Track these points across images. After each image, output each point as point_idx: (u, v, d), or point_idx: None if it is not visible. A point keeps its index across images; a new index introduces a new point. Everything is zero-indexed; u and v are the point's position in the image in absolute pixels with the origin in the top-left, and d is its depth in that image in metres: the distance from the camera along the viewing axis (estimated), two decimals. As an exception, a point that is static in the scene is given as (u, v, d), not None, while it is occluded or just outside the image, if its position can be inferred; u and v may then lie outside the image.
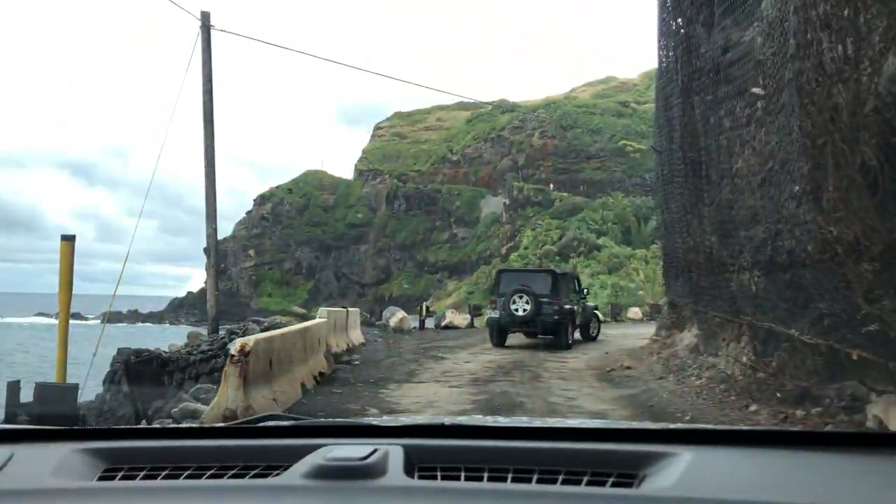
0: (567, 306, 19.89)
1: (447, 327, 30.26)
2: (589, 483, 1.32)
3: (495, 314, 20.41)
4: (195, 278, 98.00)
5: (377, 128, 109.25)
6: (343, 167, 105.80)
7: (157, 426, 1.77)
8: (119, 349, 16.59)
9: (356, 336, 20.50)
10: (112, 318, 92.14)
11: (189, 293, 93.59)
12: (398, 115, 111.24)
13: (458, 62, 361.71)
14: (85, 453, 1.51)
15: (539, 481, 1.33)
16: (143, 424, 11.00)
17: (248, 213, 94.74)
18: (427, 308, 32.84)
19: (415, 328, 28.87)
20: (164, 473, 1.43)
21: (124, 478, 1.43)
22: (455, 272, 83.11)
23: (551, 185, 79.45)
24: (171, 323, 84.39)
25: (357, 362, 16.47)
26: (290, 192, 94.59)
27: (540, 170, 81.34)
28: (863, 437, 1.52)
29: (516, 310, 19.37)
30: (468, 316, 32.88)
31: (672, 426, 1.67)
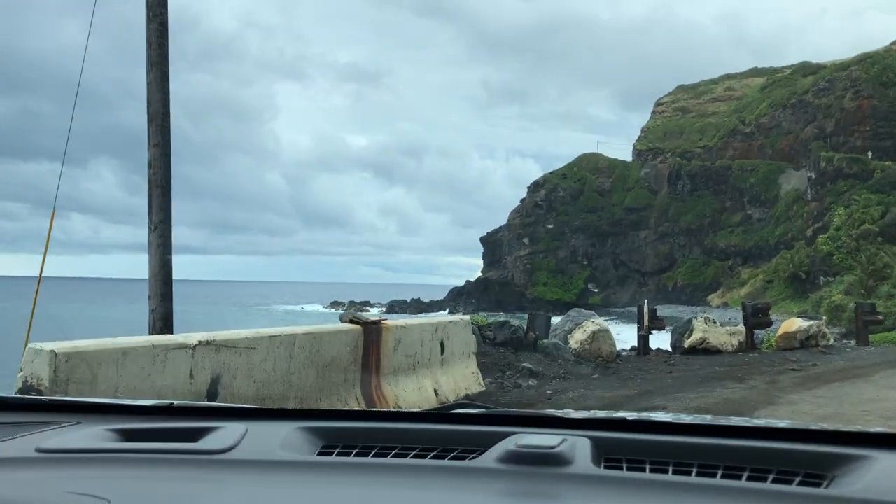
0: None
1: (695, 350, 16.67)
2: (775, 481, 1.31)
3: None
4: (480, 268, 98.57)
5: (658, 104, 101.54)
6: (620, 150, 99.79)
7: (367, 409, 2.04)
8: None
9: (457, 381, 10.16)
10: (397, 307, 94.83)
11: (467, 282, 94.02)
12: (681, 88, 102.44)
13: (748, 19, 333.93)
14: (306, 431, 1.70)
15: (723, 477, 1.34)
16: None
17: (522, 200, 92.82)
18: (654, 313, 17.80)
19: (626, 353, 17.15)
20: (373, 452, 1.59)
21: (340, 454, 1.60)
22: (749, 258, 73.68)
23: (869, 154, 66.87)
24: (451, 311, 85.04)
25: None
26: (565, 178, 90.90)
27: (854, 136, 68.97)
28: None
29: None
30: (741, 328, 18.15)
31: (866, 429, 1.56)
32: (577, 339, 14.69)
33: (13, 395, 1.95)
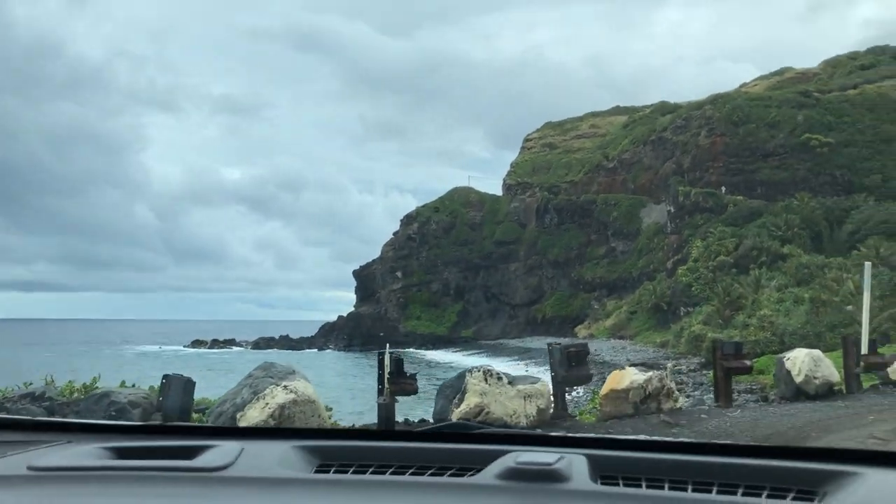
0: None
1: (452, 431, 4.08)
2: (769, 496, 1.35)
3: None
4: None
5: (526, 139, 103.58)
6: (494, 185, 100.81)
7: (363, 428, 1.64)
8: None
9: None
10: (263, 343, 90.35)
11: (339, 317, 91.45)
12: (548, 125, 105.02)
13: (613, 63, 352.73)
14: (302, 450, 1.70)
15: (719, 493, 1.37)
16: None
17: (395, 233, 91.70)
18: (399, 365, 10.97)
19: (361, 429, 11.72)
20: (370, 470, 1.59)
21: (337, 472, 1.60)
22: (614, 290, 75.37)
23: (723, 189, 70.18)
24: (320, 348, 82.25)
25: None
26: (437, 211, 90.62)
27: (709, 172, 72.27)
28: None
29: None
30: (542, 387, 11.43)
31: (854, 448, 1.69)
32: (251, 418, 8.63)
33: (1, 415, 1.81)
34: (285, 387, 9.14)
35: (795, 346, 33.52)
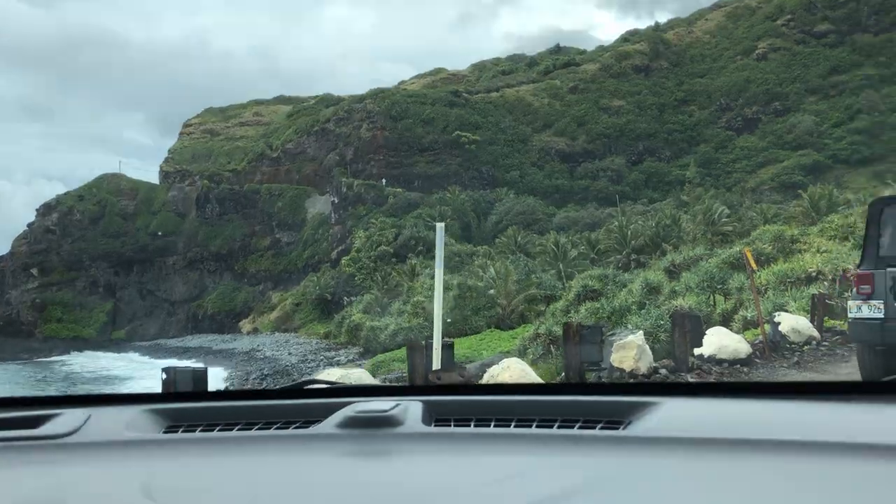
0: None
1: None
2: (581, 427, 1.53)
3: (870, 310, 8.46)
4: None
5: (185, 125, 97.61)
6: (152, 173, 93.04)
7: (213, 390, 2.08)
8: None
9: None
10: None
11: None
12: (209, 110, 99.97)
13: (280, 55, 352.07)
14: (151, 413, 1.75)
15: (538, 427, 1.56)
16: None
17: (30, 225, 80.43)
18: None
19: None
20: (218, 427, 1.67)
21: (185, 431, 1.67)
22: (280, 282, 73.92)
23: (383, 181, 72.35)
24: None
25: None
26: (81, 200, 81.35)
27: (371, 164, 74.04)
28: (835, 386, 1.65)
29: None
30: None
31: (654, 381, 2.04)
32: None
33: None
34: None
35: (446, 331, 35.17)
